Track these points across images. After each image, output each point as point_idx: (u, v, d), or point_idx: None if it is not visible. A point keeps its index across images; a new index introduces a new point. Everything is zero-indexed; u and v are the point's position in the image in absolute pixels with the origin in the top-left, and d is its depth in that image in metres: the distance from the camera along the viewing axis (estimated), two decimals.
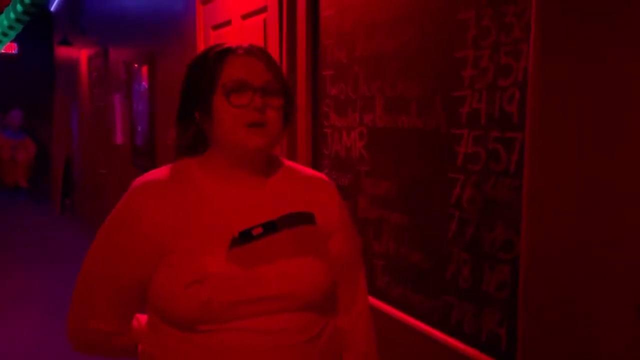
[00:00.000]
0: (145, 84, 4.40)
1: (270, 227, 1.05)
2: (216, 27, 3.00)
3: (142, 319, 1.16)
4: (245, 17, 2.68)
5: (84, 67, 6.88)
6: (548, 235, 1.24)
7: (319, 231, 1.12)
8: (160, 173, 1.12)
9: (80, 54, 7.01)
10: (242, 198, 1.09)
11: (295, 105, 1.17)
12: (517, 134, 1.31)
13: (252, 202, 1.09)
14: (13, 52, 10.48)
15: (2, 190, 9.50)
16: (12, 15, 7.97)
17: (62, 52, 8.02)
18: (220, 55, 1.07)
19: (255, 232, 1.04)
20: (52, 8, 8.58)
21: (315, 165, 2.21)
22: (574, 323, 1.19)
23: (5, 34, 8.43)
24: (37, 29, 9.17)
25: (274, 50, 2.40)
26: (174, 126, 1.13)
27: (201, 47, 3.17)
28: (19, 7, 7.76)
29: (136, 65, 4.63)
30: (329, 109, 2.10)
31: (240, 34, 2.72)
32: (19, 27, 8.32)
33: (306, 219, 1.10)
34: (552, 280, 1.23)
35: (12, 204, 9.06)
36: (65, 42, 7.27)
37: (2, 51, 9.58)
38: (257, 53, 1.08)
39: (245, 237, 1.03)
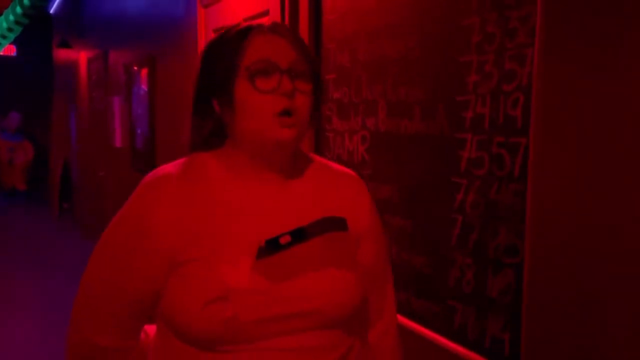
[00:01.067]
0: (144, 86, 4.40)
1: (299, 235, 0.93)
2: (217, 30, 3.00)
3: (150, 330, 1.04)
4: (247, 20, 2.68)
5: (83, 69, 6.87)
6: (552, 240, 1.23)
7: (350, 238, 1.00)
8: (173, 168, 0.99)
9: (80, 57, 7.01)
10: (264, 199, 0.96)
11: (324, 92, 1.04)
12: (521, 139, 1.31)
13: (276, 205, 0.96)
14: (12, 54, 10.48)
15: (0, 193, 9.47)
16: (11, 18, 7.97)
17: (62, 54, 8.02)
18: (241, 34, 0.93)
19: (283, 241, 0.92)
20: (52, 10, 8.58)
21: None
22: (578, 328, 1.19)
23: (4, 37, 8.43)
24: (36, 32, 9.17)
25: None
26: (188, 117, 1.00)
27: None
28: (18, 9, 7.76)
29: (136, 68, 4.63)
30: (331, 113, 2.10)
31: None
32: (18, 30, 8.32)
33: (338, 225, 0.97)
34: (556, 285, 1.23)
35: (9, 207, 9.04)
36: (65, 45, 7.27)
37: (1, 53, 9.57)
38: (282, 31, 0.95)
39: (272, 246, 0.91)
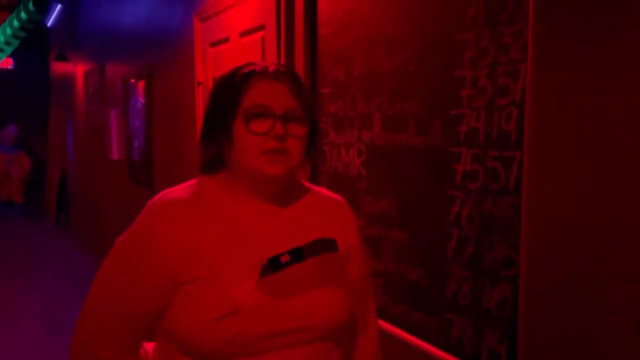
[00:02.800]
0: (142, 99, 4.41)
1: (297, 255, 1.01)
2: (214, 44, 3.02)
3: (148, 347, 1.11)
4: (243, 34, 2.70)
5: (80, 82, 6.89)
6: (547, 251, 1.24)
7: (340, 258, 1.10)
8: (179, 192, 1.07)
9: (77, 70, 7.03)
10: (263, 223, 1.05)
11: (320, 133, 1.14)
12: (515, 153, 1.33)
13: (273, 228, 1.05)
14: (9, 67, 10.49)
15: None
16: (8, 31, 8.00)
17: (59, 67, 8.04)
18: (244, 78, 1.02)
19: (283, 260, 1.00)
20: (49, 24, 8.61)
21: (313, 182, 2.22)
22: (575, 339, 1.20)
23: (1, 50, 8.45)
24: (33, 45, 9.19)
25: None
26: (199, 142, 1.09)
27: (199, 63, 3.19)
28: (15, 23, 7.79)
29: (133, 81, 4.64)
30: (327, 126, 2.11)
31: (238, 52, 2.74)
32: (16, 43, 8.35)
33: (330, 246, 1.07)
34: (552, 296, 1.24)
35: (6, 219, 9.01)
36: (62, 58, 7.29)
37: None
38: (283, 77, 1.02)
39: (274, 264, 0.99)
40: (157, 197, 1.07)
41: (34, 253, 6.64)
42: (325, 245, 1.06)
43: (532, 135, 1.26)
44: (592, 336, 1.16)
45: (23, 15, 7.67)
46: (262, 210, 1.05)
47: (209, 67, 3.10)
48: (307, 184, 1.18)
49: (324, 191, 1.20)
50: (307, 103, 1.04)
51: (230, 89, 1.02)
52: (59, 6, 7.78)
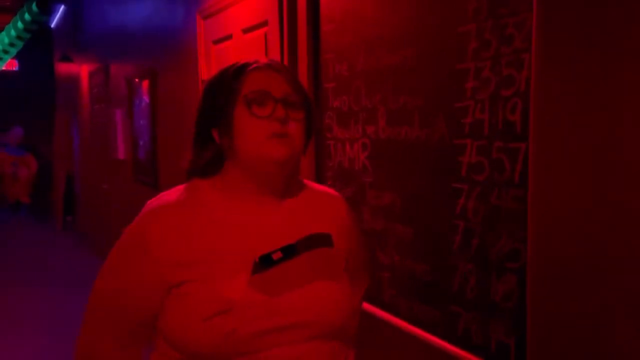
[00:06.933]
0: (146, 98, 4.42)
1: (290, 251, 1.02)
2: (217, 41, 3.02)
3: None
4: (246, 31, 2.70)
5: (84, 83, 6.91)
6: (554, 243, 1.24)
7: (337, 253, 1.09)
8: (172, 195, 1.08)
9: (81, 70, 7.05)
10: (257, 219, 1.05)
11: (317, 119, 1.15)
12: (520, 144, 1.32)
13: (267, 223, 1.05)
14: (14, 69, 10.54)
15: (4, 207, 9.50)
16: (12, 33, 8.04)
17: (63, 68, 8.06)
18: (239, 70, 1.04)
19: (275, 257, 1.00)
20: (53, 25, 8.64)
21: (319, 177, 2.22)
22: (583, 331, 1.19)
23: (6, 51, 8.50)
24: (37, 46, 9.23)
25: None
26: (189, 148, 1.10)
27: (202, 61, 3.19)
28: (19, 24, 7.82)
29: (137, 80, 4.65)
30: (331, 121, 2.11)
31: (241, 48, 2.74)
32: (20, 44, 8.39)
33: (324, 241, 1.07)
34: (559, 288, 1.23)
35: (13, 220, 9.06)
36: (66, 59, 7.31)
37: (3, 68, 9.63)
38: (277, 67, 1.06)
39: (265, 262, 0.99)
40: (151, 200, 1.08)
41: (40, 253, 6.67)
42: (320, 241, 1.06)
43: (538, 125, 1.26)
44: (600, 326, 1.16)
45: (27, 16, 7.70)
46: (259, 206, 1.05)
47: (213, 64, 3.10)
48: (304, 180, 1.19)
49: (320, 187, 1.21)
50: (302, 89, 1.07)
51: (227, 81, 1.04)
52: (62, 7, 7.80)
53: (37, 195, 9.64)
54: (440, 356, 1.57)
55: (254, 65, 1.04)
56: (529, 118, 1.28)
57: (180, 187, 1.09)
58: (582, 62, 1.17)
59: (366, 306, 1.90)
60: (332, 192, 1.22)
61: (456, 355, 1.52)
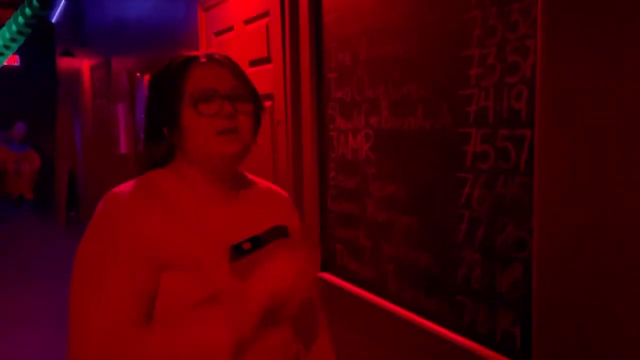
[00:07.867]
0: None
1: (257, 243, 1.04)
2: (218, 33, 3.00)
3: None
4: (247, 22, 2.68)
5: (86, 77, 6.90)
6: (560, 232, 1.22)
7: (293, 243, 1.12)
8: (129, 187, 1.03)
9: (83, 65, 7.03)
10: (218, 212, 1.06)
11: (264, 110, 1.14)
12: (526, 131, 1.30)
13: (229, 216, 1.07)
14: (15, 64, 10.53)
15: (7, 203, 9.52)
16: (13, 28, 8.02)
17: (65, 63, 8.05)
18: (183, 65, 1.03)
19: (245, 247, 1.02)
20: (54, 19, 8.62)
21: (322, 169, 2.21)
22: (589, 320, 1.18)
23: (7, 47, 8.48)
24: (38, 41, 9.21)
25: (277, 54, 2.40)
26: (141, 143, 1.09)
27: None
28: (20, 19, 7.80)
29: (139, 74, 4.64)
30: (334, 112, 2.09)
31: (243, 39, 2.72)
32: (21, 40, 8.37)
33: (284, 232, 1.10)
34: (565, 277, 1.22)
35: (17, 215, 9.08)
36: (68, 54, 7.30)
37: (5, 64, 9.62)
38: (221, 60, 1.05)
39: (238, 251, 1.01)
40: (107, 194, 1.03)
41: (44, 249, 6.68)
42: (279, 232, 1.09)
43: (543, 112, 1.24)
44: (607, 315, 1.14)
45: (27, 11, 7.68)
46: (217, 200, 1.07)
47: None
48: (250, 176, 1.20)
49: (265, 182, 1.23)
50: (247, 81, 1.07)
51: (171, 79, 1.02)
52: (62, 1, 7.78)
53: (40, 191, 9.64)
54: (446, 346, 1.57)
55: (198, 60, 1.03)
56: (534, 105, 1.26)
57: (134, 181, 1.06)
58: (589, 47, 1.15)
59: (371, 297, 1.89)
60: (281, 191, 1.25)
61: (462, 345, 1.51)
